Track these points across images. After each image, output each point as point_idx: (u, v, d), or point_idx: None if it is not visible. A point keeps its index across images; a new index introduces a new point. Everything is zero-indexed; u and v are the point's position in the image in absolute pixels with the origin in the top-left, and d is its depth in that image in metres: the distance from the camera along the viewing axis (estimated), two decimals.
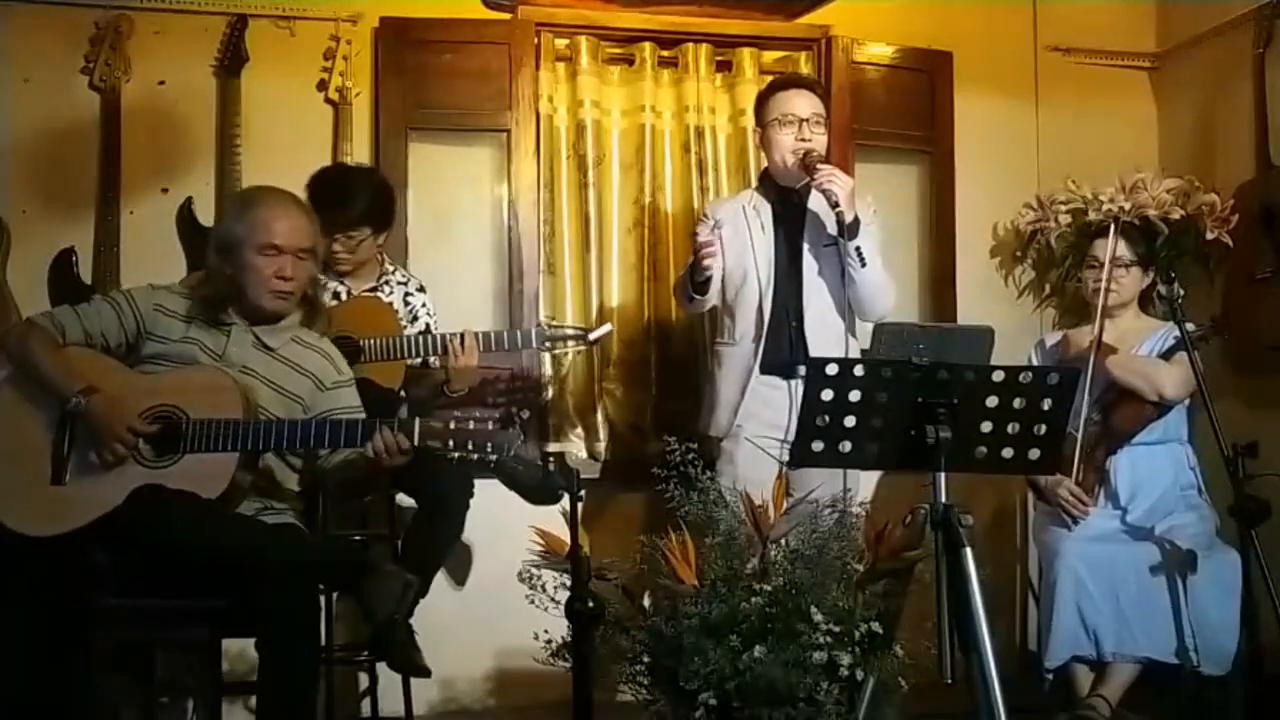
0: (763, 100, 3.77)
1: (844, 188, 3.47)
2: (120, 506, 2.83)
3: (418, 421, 2.86)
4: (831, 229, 3.54)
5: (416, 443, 2.86)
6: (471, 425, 2.83)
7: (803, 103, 3.66)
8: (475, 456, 2.85)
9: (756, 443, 3.57)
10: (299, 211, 3.10)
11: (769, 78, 4.62)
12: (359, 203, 3.78)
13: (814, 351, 3.56)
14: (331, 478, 3.10)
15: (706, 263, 3.52)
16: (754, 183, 4.03)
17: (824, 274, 3.64)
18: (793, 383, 3.58)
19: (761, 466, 3.47)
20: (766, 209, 3.72)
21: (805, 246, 3.66)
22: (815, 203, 3.63)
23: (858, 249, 3.45)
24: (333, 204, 3.68)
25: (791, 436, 3.49)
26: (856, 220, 3.49)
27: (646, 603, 3.00)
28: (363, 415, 3.14)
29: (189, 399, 2.91)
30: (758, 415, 3.62)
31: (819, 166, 3.53)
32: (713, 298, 3.69)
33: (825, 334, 3.61)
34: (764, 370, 3.64)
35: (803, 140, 3.62)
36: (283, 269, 3.02)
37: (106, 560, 2.81)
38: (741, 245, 3.67)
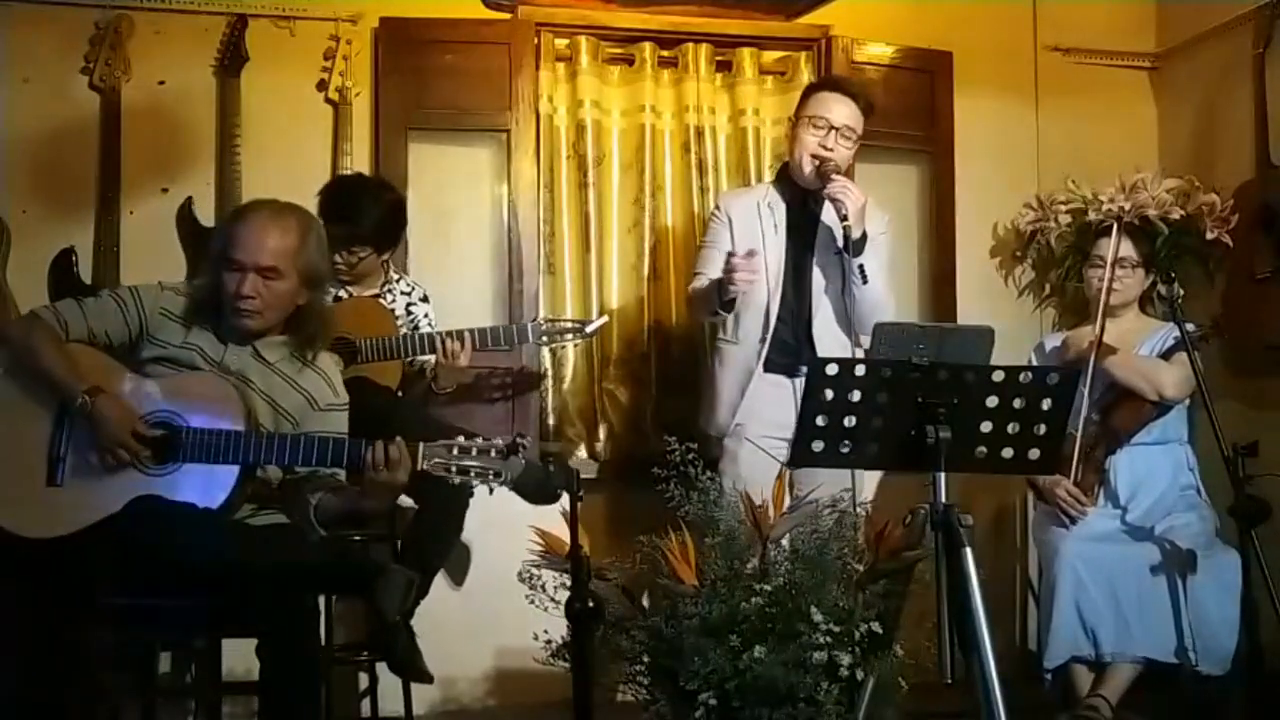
0: (806, 95, 3.75)
1: (855, 202, 3.47)
2: (117, 514, 2.78)
3: (422, 446, 2.80)
4: (840, 240, 3.54)
5: (420, 466, 2.80)
6: (475, 452, 2.79)
7: (840, 110, 3.63)
8: (477, 484, 2.82)
9: (759, 443, 3.56)
10: (272, 227, 2.92)
11: (769, 78, 4.66)
12: (365, 222, 3.74)
13: (821, 355, 3.55)
14: (321, 516, 2.96)
15: (740, 286, 3.46)
16: (765, 178, 4.01)
17: (831, 281, 3.64)
18: (797, 381, 3.58)
19: (764, 466, 3.45)
20: (781, 209, 3.70)
21: (816, 251, 3.66)
22: (829, 211, 3.62)
23: (860, 266, 3.45)
24: (338, 218, 3.64)
25: None
26: (864, 237, 3.49)
27: (646, 603, 3.00)
28: None
29: (191, 406, 2.85)
30: (759, 414, 3.61)
31: (834, 176, 3.53)
32: (732, 313, 3.65)
33: (832, 340, 3.62)
34: (767, 369, 3.63)
35: (825, 148, 3.60)
36: (241, 285, 2.89)
37: (104, 565, 2.76)
38: (753, 242, 3.64)
